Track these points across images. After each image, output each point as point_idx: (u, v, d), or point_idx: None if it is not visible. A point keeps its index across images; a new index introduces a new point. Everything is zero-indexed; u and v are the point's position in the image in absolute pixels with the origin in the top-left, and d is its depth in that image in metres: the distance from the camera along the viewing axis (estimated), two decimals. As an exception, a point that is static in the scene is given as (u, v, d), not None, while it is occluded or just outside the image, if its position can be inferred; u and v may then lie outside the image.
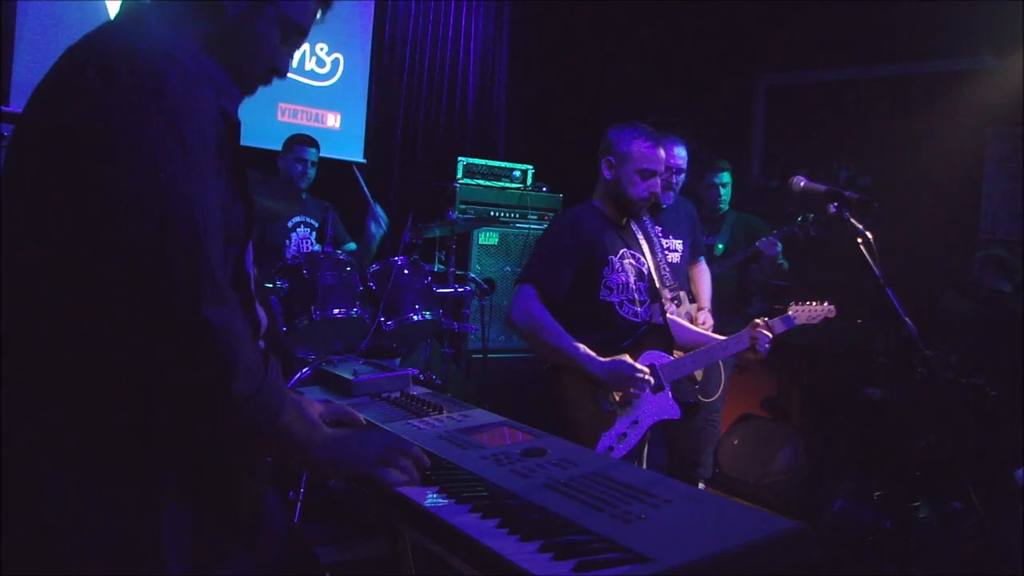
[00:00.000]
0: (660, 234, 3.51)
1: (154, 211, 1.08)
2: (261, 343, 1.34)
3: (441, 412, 1.80)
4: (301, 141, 4.19)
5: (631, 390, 2.51)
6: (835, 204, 2.27)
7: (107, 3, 4.55)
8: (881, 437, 4.01)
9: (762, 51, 5.87)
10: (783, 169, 5.88)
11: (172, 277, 1.07)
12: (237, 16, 1.27)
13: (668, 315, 2.84)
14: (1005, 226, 5.22)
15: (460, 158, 5.17)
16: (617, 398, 2.54)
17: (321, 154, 4.26)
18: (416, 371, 3.44)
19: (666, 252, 3.46)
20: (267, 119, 5.08)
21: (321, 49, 5.39)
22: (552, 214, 5.29)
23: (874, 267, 2.11)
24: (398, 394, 2.00)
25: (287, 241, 4.12)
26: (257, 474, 1.34)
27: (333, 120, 5.49)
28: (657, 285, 2.79)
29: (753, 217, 4.44)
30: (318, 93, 5.40)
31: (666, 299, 2.96)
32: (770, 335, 2.79)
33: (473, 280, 4.29)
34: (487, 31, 6.17)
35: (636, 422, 2.56)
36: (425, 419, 1.75)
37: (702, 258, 3.97)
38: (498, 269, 5.04)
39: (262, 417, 1.16)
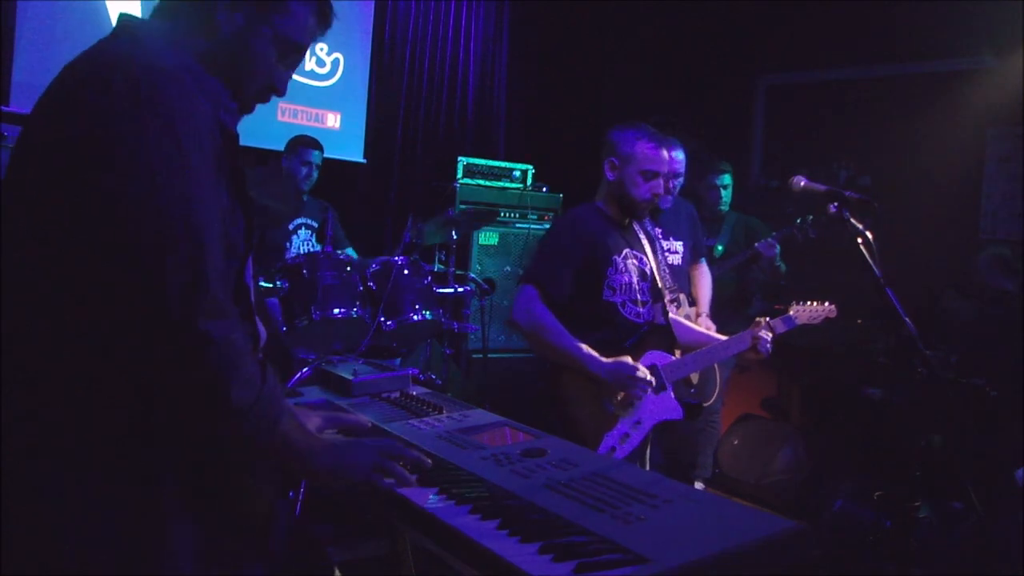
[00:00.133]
0: (660, 236, 3.51)
1: (152, 215, 1.09)
2: (260, 355, 1.35)
3: (441, 412, 1.80)
4: (307, 144, 4.18)
5: (632, 391, 2.51)
6: (835, 204, 2.27)
7: (107, 3, 4.55)
8: (881, 437, 4.01)
9: (762, 51, 5.87)
10: (783, 169, 5.87)
11: (169, 289, 1.08)
12: (232, 33, 1.28)
13: (670, 315, 2.83)
14: (1005, 226, 5.22)
15: (460, 158, 5.17)
16: (619, 399, 2.54)
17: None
18: (416, 371, 3.44)
19: (666, 254, 3.46)
20: (267, 119, 5.08)
21: (321, 49, 5.39)
22: (552, 214, 5.29)
23: (874, 267, 2.11)
24: (398, 394, 2.00)
25: (288, 244, 4.13)
26: (265, 477, 1.35)
27: (333, 120, 5.49)
28: (659, 285, 2.79)
29: (753, 219, 4.44)
30: (318, 93, 5.40)
31: (666, 301, 2.96)
32: (771, 335, 2.79)
33: (473, 280, 4.29)
34: (487, 31, 6.17)
35: (639, 422, 2.56)
36: (425, 419, 1.75)
37: (703, 260, 3.97)
38: (498, 269, 5.04)
39: (260, 427, 1.17)
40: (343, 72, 5.50)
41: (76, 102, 1.13)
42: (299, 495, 3.07)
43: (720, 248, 4.32)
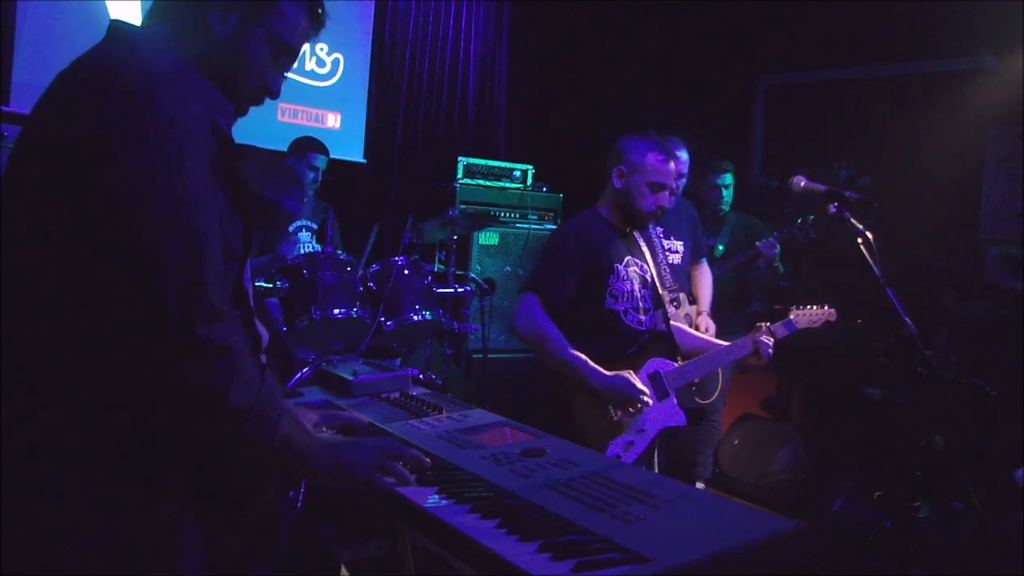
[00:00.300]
0: (661, 235, 3.51)
1: (152, 217, 1.09)
2: (263, 358, 1.35)
3: (441, 412, 1.80)
4: (316, 148, 4.15)
5: (631, 406, 2.51)
6: (835, 204, 2.27)
7: (107, 3, 4.55)
8: (881, 437, 4.00)
9: (762, 51, 5.87)
10: (783, 169, 5.87)
11: (168, 292, 1.08)
12: (226, 36, 1.28)
13: (671, 322, 2.83)
14: (1005, 226, 5.22)
15: (460, 158, 5.17)
16: (620, 412, 2.54)
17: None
18: (416, 371, 3.44)
19: (667, 253, 3.46)
20: (267, 119, 5.08)
21: (321, 49, 5.39)
22: (552, 214, 5.29)
23: (874, 267, 2.11)
24: (398, 394, 2.00)
25: (285, 244, 4.12)
26: (269, 476, 1.35)
27: (333, 120, 5.49)
28: (660, 292, 2.79)
29: (753, 219, 4.44)
30: (318, 93, 5.40)
31: (665, 301, 2.96)
32: (772, 340, 2.79)
33: (473, 280, 4.29)
34: (487, 31, 6.17)
35: (643, 430, 2.56)
36: (425, 419, 1.75)
37: (703, 260, 3.97)
38: (498, 269, 5.04)
39: (259, 428, 1.17)
40: (343, 72, 5.50)
41: (75, 105, 1.13)
42: (299, 495, 3.08)
43: (720, 248, 4.32)
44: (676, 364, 2.69)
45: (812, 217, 4.04)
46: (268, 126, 5.00)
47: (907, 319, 2.07)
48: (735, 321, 4.09)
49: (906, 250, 3.95)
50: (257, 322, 1.38)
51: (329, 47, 5.42)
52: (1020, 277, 4.22)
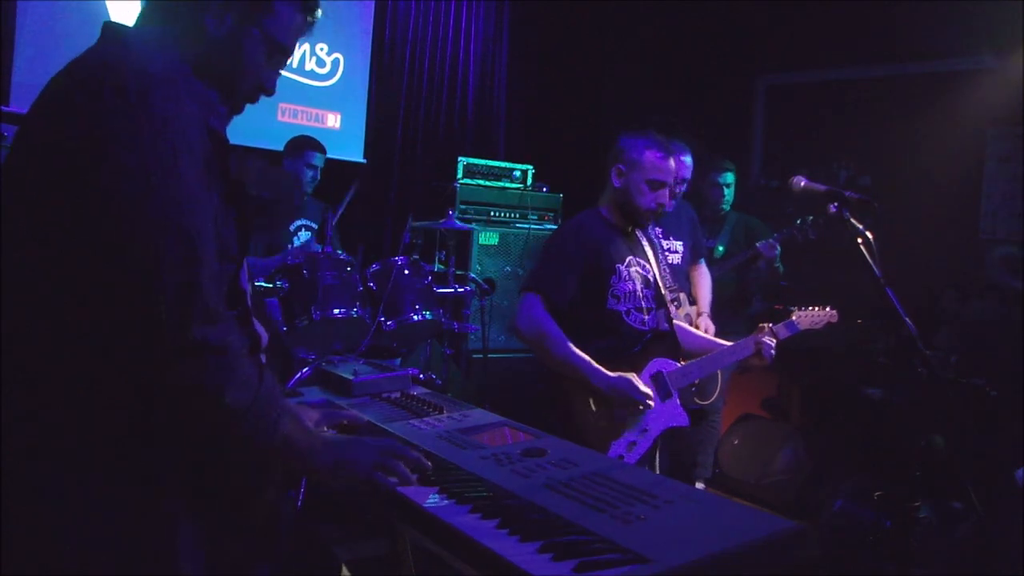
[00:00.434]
0: (660, 235, 3.51)
1: (146, 217, 1.09)
2: (263, 357, 1.35)
3: (441, 412, 1.80)
4: (313, 147, 4.17)
5: (634, 407, 2.51)
6: (835, 204, 2.27)
7: (107, 3, 4.55)
8: (881, 437, 4.00)
9: (762, 51, 5.87)
10: (783, 169, 5.88)
11: (163, 293, 1.08)
12: (222, 37, 1.28)
13: (674, 321, 2.83)
14: (1005, 226, 5.22)
15: (460, 158, 5.16)
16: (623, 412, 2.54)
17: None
18: (416, 371, 3.45)
19: (666, 253, 3.46)
20: (267, 119, 5.07)
21: (321, 49, 5.39)
22: (552, 214, 5.29)
23: (874, 267, 2.11)
24: (398, 394, 2.00)
25: (289, 246, 4.13)
26: (268, 476, 1.35)
27: (333, 120, 5.49)
28: (663, 291, 2.78)
29: (753, 219, 4.44)
30: (318, 93, 5.40)
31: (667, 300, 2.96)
32: (775, 341, 2.79)
33: (473, 280, 4.29)
34: (487, 31, 6.17)
35: (645, 430, 2.55)
36: (425, 419, 1.75)
37: (702, 260, 3.97)
38: (498, 269, 5.04)
39: (258, 428, 1.17)
40: (343, 72, 5.50)
41: (71, 105, 1.13)
42: (299, 495, 3.08)
43: (720, 249, 4.32)
44: (679, 364, 2.69)
45: (812, 217, 4.04)
46: (268, 126, 5.00)
47: (907, 319, 2.07)
48: (735, 321, 4.09)
49: (906, 250, 3.94)
50: (256, 322, 1.39)
51: (329, 47, 5.42)
52: (1021, 277, 4.22)
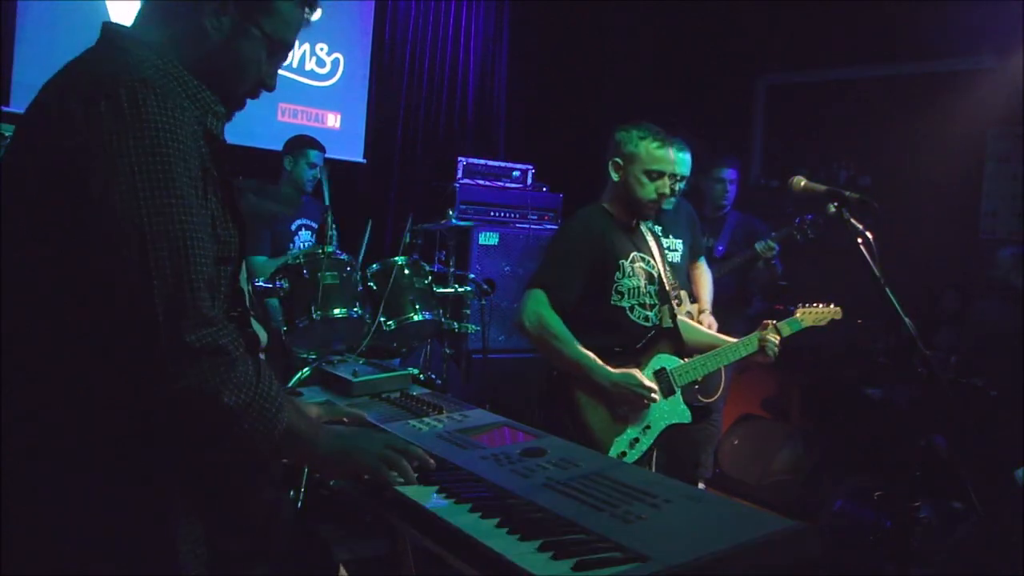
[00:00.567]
0: (660, 234, 3.51)
1: (135, 225, 1.09)
2: (262, 356, 1.35)
3: (441, 412, 1.80)
4: (313, 146, 4.18)
5: (637, 403, 2.51)
6: (835, 204, 2.27)
7: (107, 3, 4.55)
8: (881, 437, 4.00)
9: (762, 51, 5.87)
10: (783, 169, 5.88)
11: (156, 300, 1.08)
12: (221, 38, 1.28)
13: (678, 317, 2.82)
14: (1005, 226, 5.22)
15: (460, 158, 5.17)
16: (626, 409, 2.54)
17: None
18: (416, 371, 3.45)
19: (665, 251, 3.46)
20: (267, 119, 5.08)
21: (321, 49, 5.39)
22: (552, 214, 5.29)
23: (874, 267, 2.11)
24: (398, 394, 2.00)
25: (291, 245, 4.13)
26: (267, 476, 1.35)
27: (333, 120, 5.49)
28: (667, 287, 2.77)
29: (753, 219, 4.44)
30: (318, 93, 5.40)
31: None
32: (779, 338, 2.78)
33: (473, 280, 4.29)
34: (487, 31, 6.17)
35: (648, 427, 2.55)
36: (425, 419, 1.75)
37: (702, 258, 3.96)
38: (498, 269, 5.04)
39: (259, 425, 1.17)
40: (343, 72, 5.50)
41: (66, 111, 1.13)
42: (300, 493, 3.08)
43: (720, 249, 4.32)
44: (682, 361, 2.68)
45: (811, 218, 4.04)
46: (268, 126, 5.00)
47: (907, 319, 2.07)
48: (735, 322, 4.08)
49: (906, 250, 3.94)
50: (254, 322, 1.39)
51: (329, 47, 5.42)
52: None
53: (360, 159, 5.58)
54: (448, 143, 5.86)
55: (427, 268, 3.74)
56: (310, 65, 5.35)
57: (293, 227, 4.17)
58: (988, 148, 5.31)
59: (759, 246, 4.09)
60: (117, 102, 1.12)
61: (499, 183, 5.22)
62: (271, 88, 1.39)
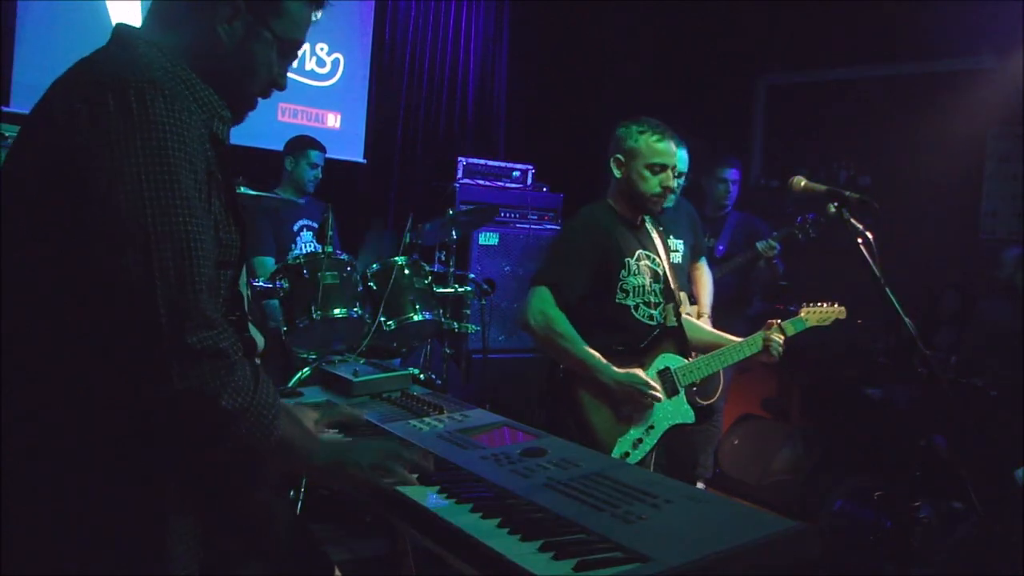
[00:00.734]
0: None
1: (138, 226, 1.09)
2: (258, 361, 1.35)
3: (441, 412, 1.80)
4: (315, 146, 4.19)
5: (641, 403, 2.50)
6: (835, 204, 2.27)
7: (107, 3, 4.55)
8: (881, 437, 4.00)
9: (762, 51, 5.87)
10: (783, 169, 5.88)
11: (158, 302, 1.08)
12: (232, 41, 1.28)
13: (683, 316, 2.81)
14: (1005, 226, 5.22)
15: (460, 158, 5.17)
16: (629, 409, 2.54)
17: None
18: (416, 371, 3.45)
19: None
20: (267, 119, 5.07)
21: (321, 49, 5.39)
22: (552, 214, 5.29)
23: (874, 267, 2.11)
24: (398, 394, 2.00)
25: (293, 245, 4.14)
26: (262, 478, 1.35)
27: (333, 120, 5.49)
28: (672, 285, 2.76)
29: (754, 219, 4.44)
30: (318, 93, 5.40)
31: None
32: (783, 338, 2.77)
33: (473, 280, 4.29)
34: (487, 31, 6.17)
35: (652, 427, 2.55)
36: (425, 419, 1.75)
37: (703, 259, 3.96)
38: (498, 269, 5.04)
39: (255, 431, 1.17)
40: (343, 72, 5.50)
41: (73, 111, 1.13)
42: (299, 494, 3.08)
43: (721, 248, 4.32)
44: (687, 360, 2.67)
45: (812, 217, 4.04)
46: (268, 126, 5.00)
47: (907, 319, 2.07)
48: (735, 322, 4.08)
49: (906, 250, 3.94)
50: (252, 326, 1.39)
51: (329, 47, 5.42)
52: None
53: (360, 159, 5.59)
54: (448, 143, 5.86)
55: (427, 268, 3.74)
56: (310, 65, 5.35)
57: (295, 227, 4.18)
58: (988, 148, 5.31)
59: (761, 245, 4.09)
60: (125, 103, 1.12)
61: (499, 183, 5.22)
62: (282, 87, 1.39)
